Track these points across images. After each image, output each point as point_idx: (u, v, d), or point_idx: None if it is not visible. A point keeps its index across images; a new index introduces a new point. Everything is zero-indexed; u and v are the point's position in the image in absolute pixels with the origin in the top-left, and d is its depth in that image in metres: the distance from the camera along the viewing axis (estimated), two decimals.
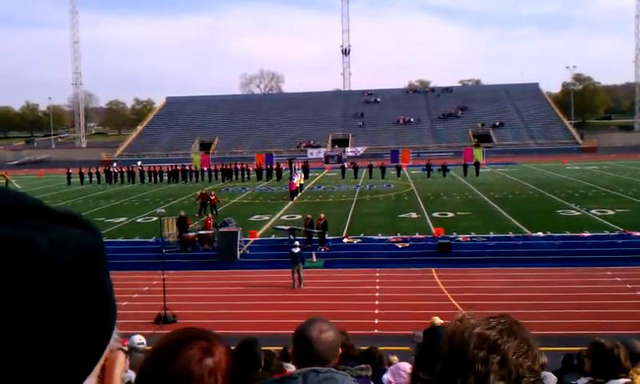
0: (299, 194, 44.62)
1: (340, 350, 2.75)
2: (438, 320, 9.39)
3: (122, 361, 0.84)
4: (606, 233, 27.45)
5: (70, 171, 59.95)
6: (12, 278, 0.65)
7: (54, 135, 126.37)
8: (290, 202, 41.06)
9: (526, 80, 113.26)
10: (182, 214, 28.26)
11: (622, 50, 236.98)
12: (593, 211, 33.17)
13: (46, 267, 0.68)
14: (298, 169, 48.50)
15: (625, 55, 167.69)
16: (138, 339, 8.62)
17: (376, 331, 16.11)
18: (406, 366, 4.43)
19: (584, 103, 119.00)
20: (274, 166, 61.33)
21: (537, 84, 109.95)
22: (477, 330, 1.37)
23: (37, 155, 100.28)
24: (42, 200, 0.76)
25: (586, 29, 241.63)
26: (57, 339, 0.69)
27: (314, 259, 23.98)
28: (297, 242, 22.36)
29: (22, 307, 0.66)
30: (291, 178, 45.77)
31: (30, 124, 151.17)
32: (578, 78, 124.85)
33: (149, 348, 7.86)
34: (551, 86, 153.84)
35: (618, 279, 19.66)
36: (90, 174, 60.05)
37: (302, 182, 48.90)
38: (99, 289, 0.76)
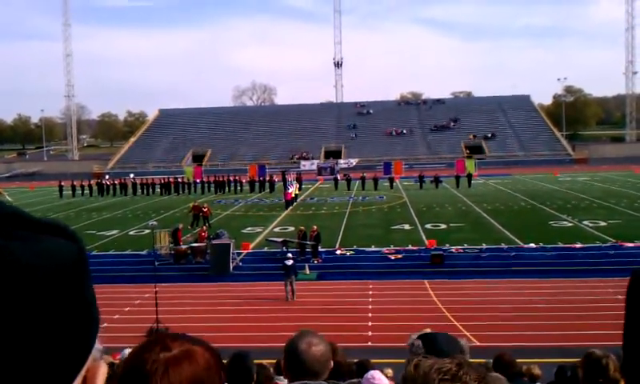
0: (294, 205, 44.66)
1: (331, 364, 2.75)
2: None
3: (104, 371, 0.85)
4: (599, 244, 27.54)
5: (62, 184, 59.57)
6: (1, 288, 0.67)
7: (46, 148, 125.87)
8: (283, 214, 41.03)
9: (518, 92, 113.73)
10: (179, 227, 28.27)
11: (613, 62, 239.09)
12: (585, 222, 33.32)
13: (31, 277, 0.69)
14: (293, 180, 48.59)
15: (616, 67, 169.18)
16: None
17: (369, 344, 16.07)
18: (378, 375, 4.39)
19: (575, 115, 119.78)
20: (267, 178, 61.31)
21: (528, 96, 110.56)
22: (436, 367, 1.43)
23: (28, 168, 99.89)
24: (29, 210, 0.78)
25: (577, 41, 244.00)
26: (38, 349, 0.69)
27: (307, 271, 23.94)
28: (290, 254, 22.30)
29: (5, 317, 0.67)
30: (286, 189, 45.84)
31: (21, 136, 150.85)
32: (569, 89, 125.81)
33: None
34: (542, 97, 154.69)
35: (610, 290, 19.70)
36: (82, 187, 59.77)
37: (298, 192, 48.93)
38: (82, 298, 0.77)
